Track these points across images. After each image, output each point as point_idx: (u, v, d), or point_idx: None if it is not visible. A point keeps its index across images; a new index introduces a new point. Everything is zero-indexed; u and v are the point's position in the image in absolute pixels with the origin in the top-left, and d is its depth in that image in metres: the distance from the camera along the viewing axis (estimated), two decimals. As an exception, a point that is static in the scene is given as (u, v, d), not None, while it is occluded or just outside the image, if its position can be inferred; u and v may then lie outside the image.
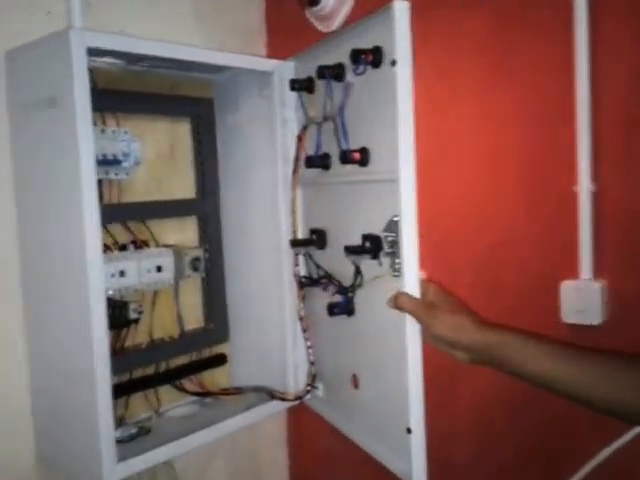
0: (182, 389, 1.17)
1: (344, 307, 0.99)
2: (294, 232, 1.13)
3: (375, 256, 0.90)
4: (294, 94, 1.09)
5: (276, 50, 1.33)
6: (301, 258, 1.12)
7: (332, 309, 1.00)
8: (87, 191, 0.85)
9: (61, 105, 0.86)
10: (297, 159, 1.11)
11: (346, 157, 0.93)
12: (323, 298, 1.06)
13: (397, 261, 0.86)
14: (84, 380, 0.89)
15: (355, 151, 0.93)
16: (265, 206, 1.16)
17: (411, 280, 0.84)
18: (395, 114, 0.83)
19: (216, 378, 1.24)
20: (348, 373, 1.03)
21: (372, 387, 0.98)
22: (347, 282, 0.99)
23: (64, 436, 0.98)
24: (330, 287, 1.03)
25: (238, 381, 1.25)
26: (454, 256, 1.15)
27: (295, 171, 1.11)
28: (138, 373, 1.10)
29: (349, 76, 0.94)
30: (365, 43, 0.88)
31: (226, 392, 1.21)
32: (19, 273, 0.98)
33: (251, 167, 1.18)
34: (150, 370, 1.12)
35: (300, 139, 1.09)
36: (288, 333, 1.15)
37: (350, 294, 0.99)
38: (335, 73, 0.96)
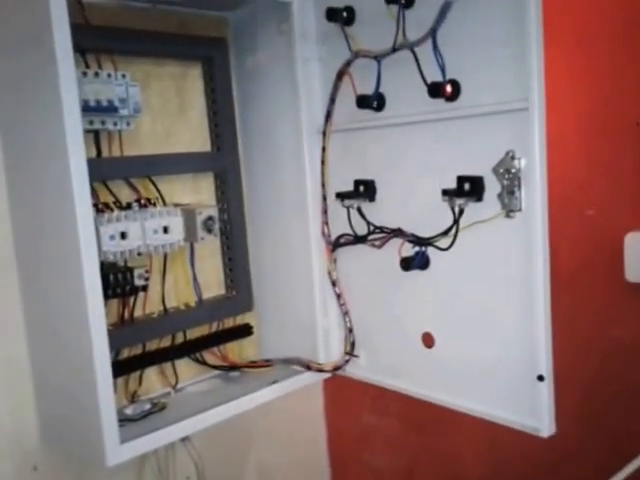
0: (203, 362, 1.08)
1: (421, 260, 0.93)
2: (323, 186, 1.02)
3: (479, 198, 0.84)
4: (315, 28, 1.00)
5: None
6: (339, 215, 1.02)
7: (407, 263, 0.93)
8: (71, 139, 0.77)
9: (42, 42, 0.77)
10: (333, 101, 0.99)
11: (437, 90, 0.83)
12: (363, 258, 1.00)
13: (515, 196, 0.80)
14: (81, 352, 0.82)
15: (445, 83, 0.83)
16: (290, 159, 1.05)
17: (540, 214, 0.78)
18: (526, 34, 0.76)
19: (243, 351, 1.14)
20: (416, 332, 0.97)
21: (451, 344, 0.93)
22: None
23: (66, 414, 0.90)
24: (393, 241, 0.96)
25: (268, 353, 1.15)
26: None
27: (329, 115, 0.99)
28: (153, 346, 1.01)
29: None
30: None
31: (253, 365, 1.11)
32: (11, 238, 0.91)
33: (273, 115, 1.07)
34: (166, 342, 1.03)
35: (341, 76, 0.97)
36: (317, 299, 1.07)
37: (424, 247, 0.92)
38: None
